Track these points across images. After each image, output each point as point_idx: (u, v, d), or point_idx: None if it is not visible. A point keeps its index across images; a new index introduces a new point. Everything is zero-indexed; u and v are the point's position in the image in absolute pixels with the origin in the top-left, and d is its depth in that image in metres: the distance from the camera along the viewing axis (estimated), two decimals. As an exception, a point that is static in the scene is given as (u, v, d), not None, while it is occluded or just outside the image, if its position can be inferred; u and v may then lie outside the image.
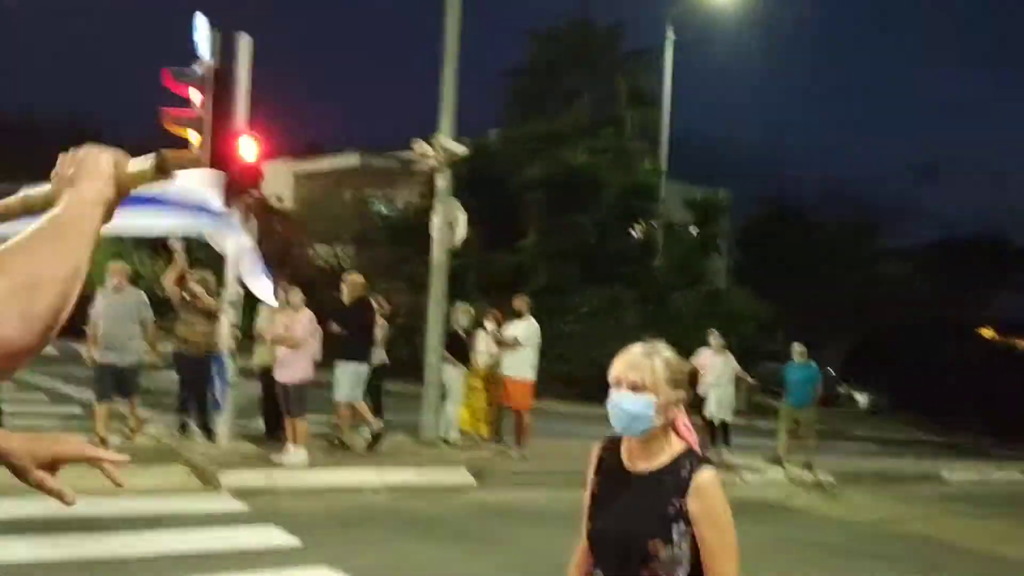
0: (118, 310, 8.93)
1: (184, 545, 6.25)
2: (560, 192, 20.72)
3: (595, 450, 2.48)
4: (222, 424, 9.26)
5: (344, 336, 9.52)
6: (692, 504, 2.21)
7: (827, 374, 13.15)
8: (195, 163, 8.79)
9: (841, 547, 8.66)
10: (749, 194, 38.75)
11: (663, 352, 2.34)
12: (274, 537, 6.68)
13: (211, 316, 9.40)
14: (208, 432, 9.46)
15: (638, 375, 2.28)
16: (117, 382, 8.93)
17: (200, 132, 8.70)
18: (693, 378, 2.38)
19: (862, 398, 30.78)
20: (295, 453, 8.68)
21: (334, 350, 9.61)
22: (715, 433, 12.61)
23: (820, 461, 12.78)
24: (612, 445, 2.44)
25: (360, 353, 9.69)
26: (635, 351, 2.33)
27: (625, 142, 23.84)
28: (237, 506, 7.56)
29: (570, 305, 20.15)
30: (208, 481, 8.13)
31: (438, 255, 10.93)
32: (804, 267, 29.59)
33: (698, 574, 2.23)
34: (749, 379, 13.90)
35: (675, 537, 2.20)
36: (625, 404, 2.28)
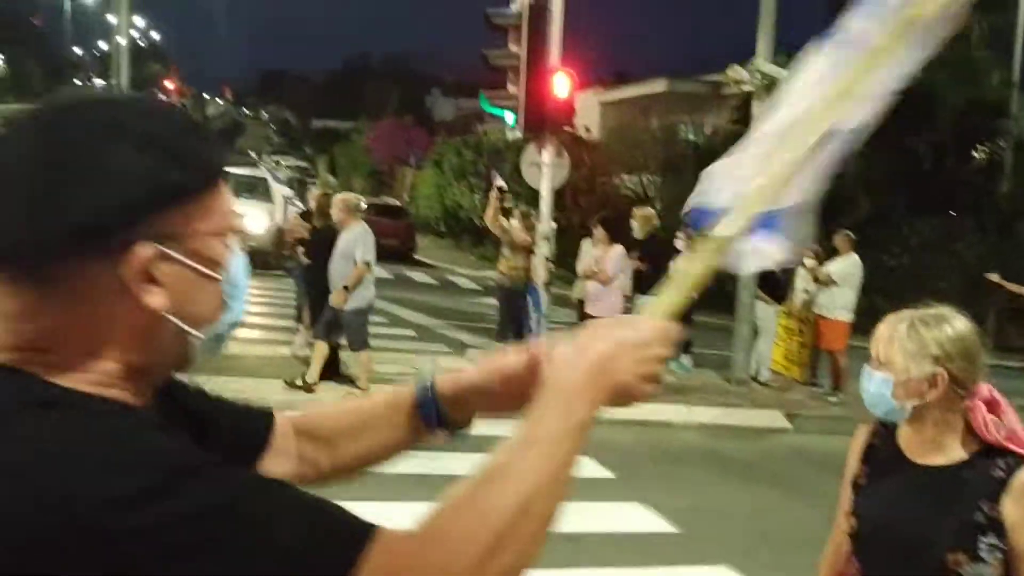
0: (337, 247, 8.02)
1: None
2: (889, 112, 18.81)
3: (861, 434, 2.14)
4: (537, 353, 9.64)
5: (642, 271, 9.43)
6: (1011, 509, 1.80)
7: None
8: (511, 102, 9.08)
9: None
10: None
11: (924, 318, 1.92)
12: (588, 468, 6.87)
13: (529, 249, 9.76)
14: (524, 360, 9.92)
15: (879, 347, 1.95)
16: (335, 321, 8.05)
17: (516, 71, 8.93)
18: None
19: None
20: (606, 385, 8.83)
21: (635, 285, 9.60)
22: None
23: None
24: (885, 430, 2.08)
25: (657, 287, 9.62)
26: (890, 317, 1.98)
27: (971, 52, 21.04)
28: (552, 434, 7.86)
29: (897, 236, 18.45)
30: (525, 408, 8.53)
31: (753, 186, 10.41)
32: None
33: None
34: None
35: (983, 551, 1.81)
36: (864, 382, 1.98)
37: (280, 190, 15.66)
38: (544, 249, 9.54)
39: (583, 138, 22.60)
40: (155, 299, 0.87)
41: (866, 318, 10.71)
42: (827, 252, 10.63)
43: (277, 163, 43.16)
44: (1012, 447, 1.86)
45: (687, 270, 1.10)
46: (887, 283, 17.43)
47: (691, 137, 24.17)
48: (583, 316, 9.70)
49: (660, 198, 23.10)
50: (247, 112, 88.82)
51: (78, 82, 59.60)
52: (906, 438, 2.02)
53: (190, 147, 0.90)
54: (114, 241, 0.84)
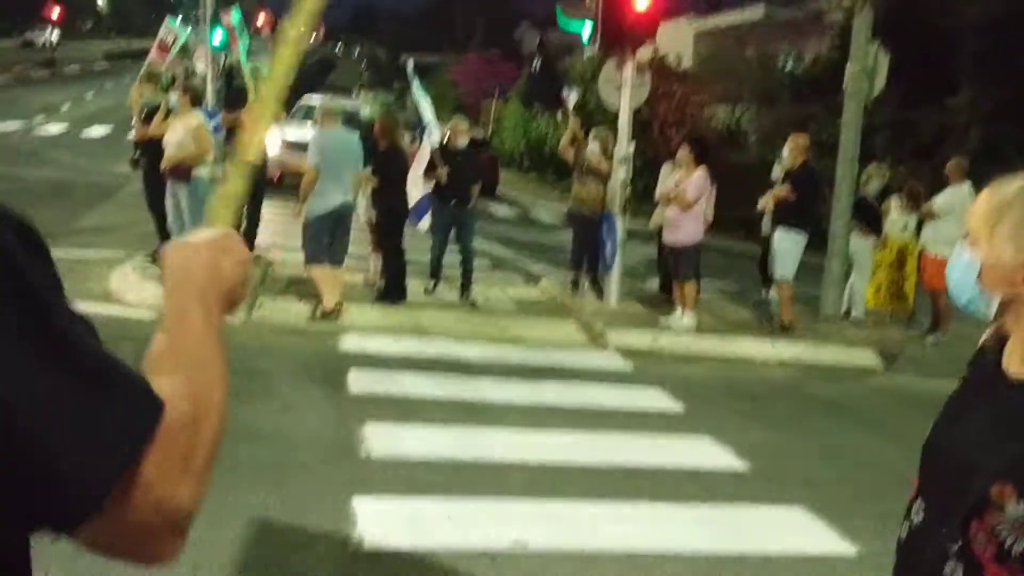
0: None
1: (569, 399, 6.31)
2: (1005, 37, 17.37)
3: (984, 336, 1.63)
4: (611, 283, 9.25)
5: (789, 203, 8.52)
6: None
7: None
8: (587, 12, 8.53)
9: None
10: None
11: None
12: (657, 400, 6.51)
13: (605, 176, 9.27)
14: (598, 290, 9.54)
15: (973, 220, 1.49)
16: None
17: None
18: None
19: None
20: (684, 317, 8.39)
21: (777, 216, 8.71)
22: None
23: None
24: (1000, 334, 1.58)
25: (804, 222, 8.63)
26: (997, 182, 1.52)
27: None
28: (623, 365, 7.52)
29: (1008, 172, 17.14)
30: (596, 338, 8.19)
31: (851, 109, 9.63)
32: None
33: None
34: None
35: None
36: (949, 266, 1.57)
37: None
38: (621, 173, 9.04)
39: (670, 66, 21.64)
40: None
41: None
42: (930, 187, 9.80)
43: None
44: None
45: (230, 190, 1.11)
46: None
47: (789, 66, 22.92)
48: (661, 246, 9.21)
49: (755, 130, 22.07)
50: (339, 50, 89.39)
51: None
52: (1011, 344, 1.53)
53: None
54: None
